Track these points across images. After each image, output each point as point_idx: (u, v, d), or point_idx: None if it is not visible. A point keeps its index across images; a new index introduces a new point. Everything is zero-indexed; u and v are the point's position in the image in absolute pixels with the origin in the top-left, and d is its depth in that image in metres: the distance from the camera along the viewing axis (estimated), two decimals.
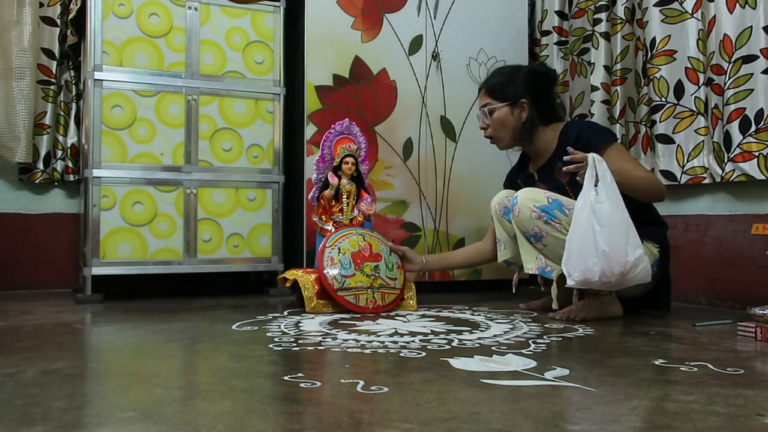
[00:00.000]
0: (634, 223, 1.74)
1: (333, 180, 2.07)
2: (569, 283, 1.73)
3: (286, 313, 1.92)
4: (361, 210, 2.11)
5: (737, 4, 1.98)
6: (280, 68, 2.45)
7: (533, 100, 2.00)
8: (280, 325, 1.68)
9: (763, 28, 1.93)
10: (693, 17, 2.15)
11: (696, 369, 1.19)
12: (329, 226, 2.07)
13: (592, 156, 1.74)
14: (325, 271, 1.94)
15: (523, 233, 1.87)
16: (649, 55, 2.26)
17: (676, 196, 2.27)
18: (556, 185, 1.94)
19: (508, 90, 2.00)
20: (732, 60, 2.00)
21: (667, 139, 2.21)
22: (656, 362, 1.25)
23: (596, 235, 1.66)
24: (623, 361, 1.26)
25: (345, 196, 2.09)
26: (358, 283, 1.96)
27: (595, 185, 1.71)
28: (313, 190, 2.13)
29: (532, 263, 1.87)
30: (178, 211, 2.28)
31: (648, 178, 1.84)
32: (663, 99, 2.22)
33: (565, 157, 1.77)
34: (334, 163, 2.11)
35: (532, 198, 1.84)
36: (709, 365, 1.23)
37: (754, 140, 1.94)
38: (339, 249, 1.99)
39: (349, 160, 2.10)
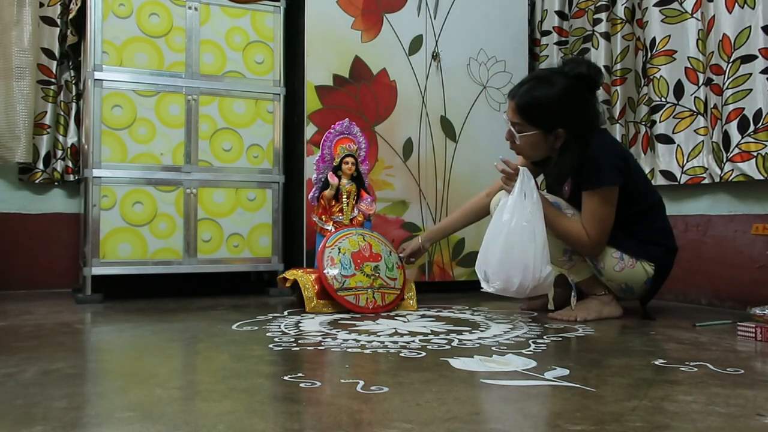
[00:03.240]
0: (632, 240, 1.81)
1: (333, 180, 2.07)
2: (488, 289, 1.78)
3: (286, 313, 1.92)
4: (361, 210, 2.12)
5: (736, 4, 1.98)
6: (280, 68, 2.45)
7: (570, 124, 1.79)
8: (280, 325, 1.68)
9: (762, 28, 1.93)
10: (693, 17, 2.15)
11: (696, 369, 1.20)
12: (329, 226, 2.07)
13: (522, 171, 1.76)
14: (325, 271, 1.94)
15: None
16: (649, 55, 2.26)
17: (676, 196, 2.27)
18: (557, 194, 1.93)
19: (542, 115, 1.78)
20: (731, 60, 2.00)
21: (667, 139, 2.21)
22: (656, 362, 1.25)
23: (521, 250, 1.72)
24: (623, 361, 1.26)
25: (345, 196, 2.09)
26: (358, 283, 1.96)
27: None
28: (313, 190, 2.14)
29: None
30: (178, 211, 2.28)
31: (569, 229, 1.79)
32: (663, 99, 2.22)
33: (497, 163, 1.80)
34: (334, 163, 2.11)
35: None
36: (709, 365, 1.23)
37: (753, 140, 1.94)
38: (339, 249, 1.99)
39: (349, 160, 2.10)
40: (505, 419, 0.88)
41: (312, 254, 2.23)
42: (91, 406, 0.94)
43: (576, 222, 1.82)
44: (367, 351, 1.35)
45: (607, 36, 2.45)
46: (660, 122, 2.22)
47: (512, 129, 1.82)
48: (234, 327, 1.66)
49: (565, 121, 1.78)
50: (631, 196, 1.83)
